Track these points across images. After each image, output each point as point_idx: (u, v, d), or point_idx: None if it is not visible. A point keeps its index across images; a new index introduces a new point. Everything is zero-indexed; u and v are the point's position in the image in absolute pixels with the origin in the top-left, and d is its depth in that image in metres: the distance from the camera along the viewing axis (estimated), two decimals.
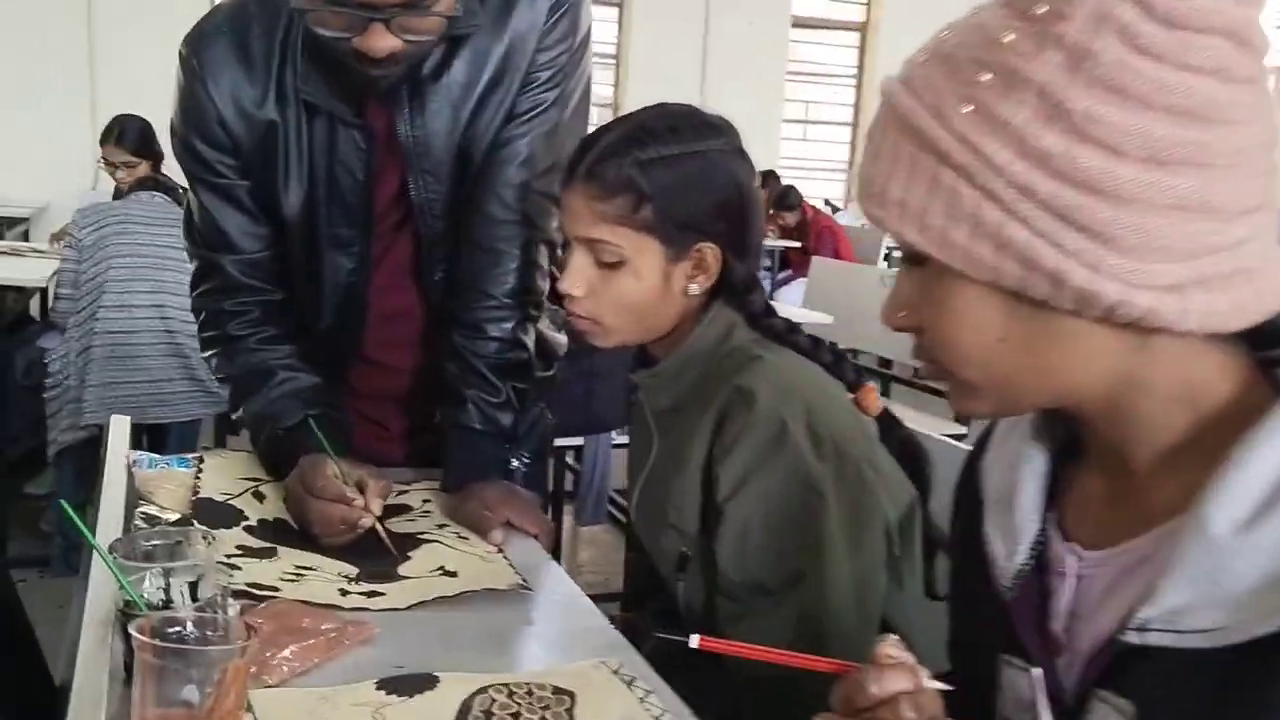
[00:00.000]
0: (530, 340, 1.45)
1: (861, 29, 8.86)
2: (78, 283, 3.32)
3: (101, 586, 0.88)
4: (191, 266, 1.50)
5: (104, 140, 3.84)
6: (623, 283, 1.21)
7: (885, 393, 4.54)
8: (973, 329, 0.70)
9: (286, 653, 0.96)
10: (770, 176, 7.77)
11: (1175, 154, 0.61)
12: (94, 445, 3.51)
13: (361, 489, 1.24)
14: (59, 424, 3.31)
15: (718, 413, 1.16)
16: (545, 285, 1.47)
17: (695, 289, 1.22)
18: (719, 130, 1.23)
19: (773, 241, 7.21)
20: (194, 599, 0.88)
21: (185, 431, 3.50)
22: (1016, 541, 0.78)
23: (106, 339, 3.27)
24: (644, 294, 1.21)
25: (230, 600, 0.93)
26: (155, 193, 3.54)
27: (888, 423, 1.23)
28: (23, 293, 3.58)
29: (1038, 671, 0.74)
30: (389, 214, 1.44)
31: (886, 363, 4.54)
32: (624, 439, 3.48)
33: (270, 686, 0.93)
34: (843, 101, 9.03)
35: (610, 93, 8.34)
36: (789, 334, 1.23)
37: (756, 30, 8.34)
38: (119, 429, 1.38)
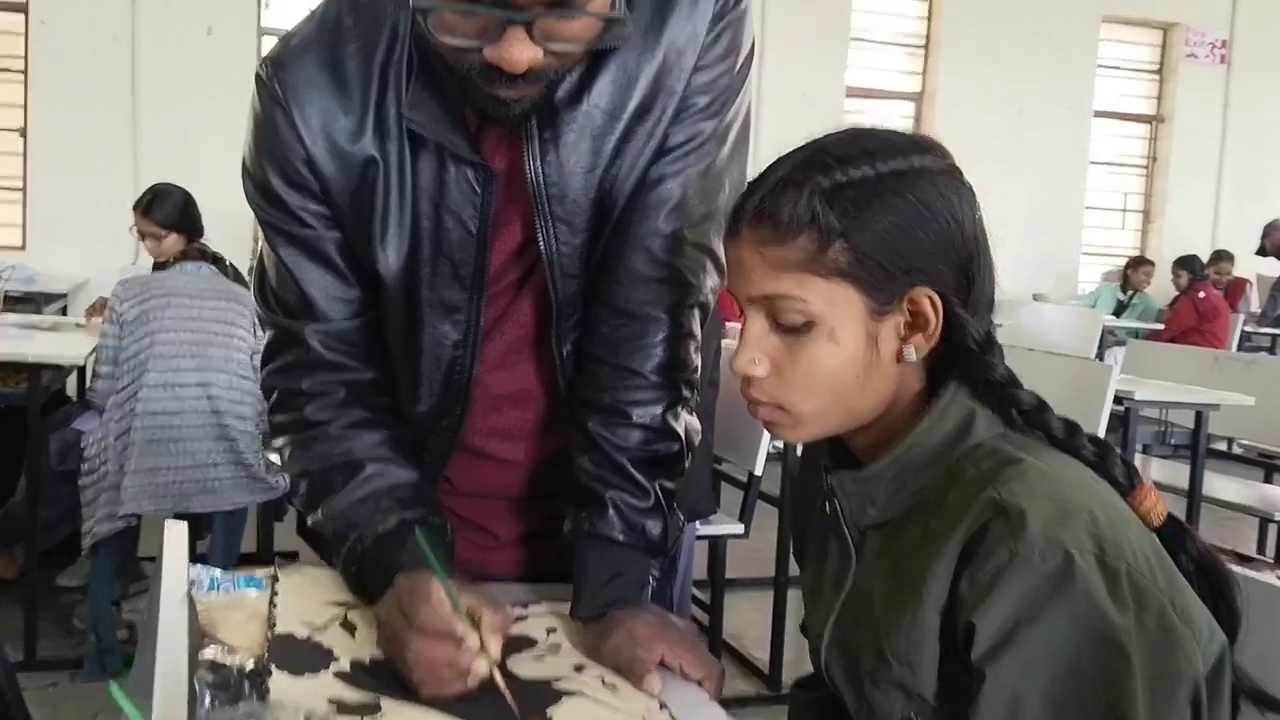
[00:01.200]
0: (682, 427, 1.17)
1: (917, 99, 8.66)
2: (118, 360, 3.08)
3: None
4: (256, 338, 1.23)
5: (135, 207, 3.64)
6: (816, 349, 0.92)
7: None
8: None
9: None
10: None
11: None
12: (132, 535, 3.26)
13: (475, 622, 0.95)
14: (95, 513, 3.05)
15: (965, 537, 0.86)
16: (699, 360, 1.19)
17: (913, 352, 0.93)
18: (924, 146, 0.95)
19: None
20: None
21: (231, 520, 3.24)
22: None
23: (148, 420, 3.02)
24: (845, 363, 0.92)
25: None
26: (201, 263, 3.32)
27: (1177, 535, 0.93)
28: (59, 370, 3.34)
29: None
30: (506, 272, 1.18)
31: None
32: (708, 530, 3.17)
33: None
34: None
35: None
36: (1039, 415, 0.94)
37: (810, 101, 8.16)
38: (175, 539, 1.10)
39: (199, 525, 3.52)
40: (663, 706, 0.99)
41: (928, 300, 0.92)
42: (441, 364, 1.18)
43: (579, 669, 1.05)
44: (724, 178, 1.17)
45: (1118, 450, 0.94)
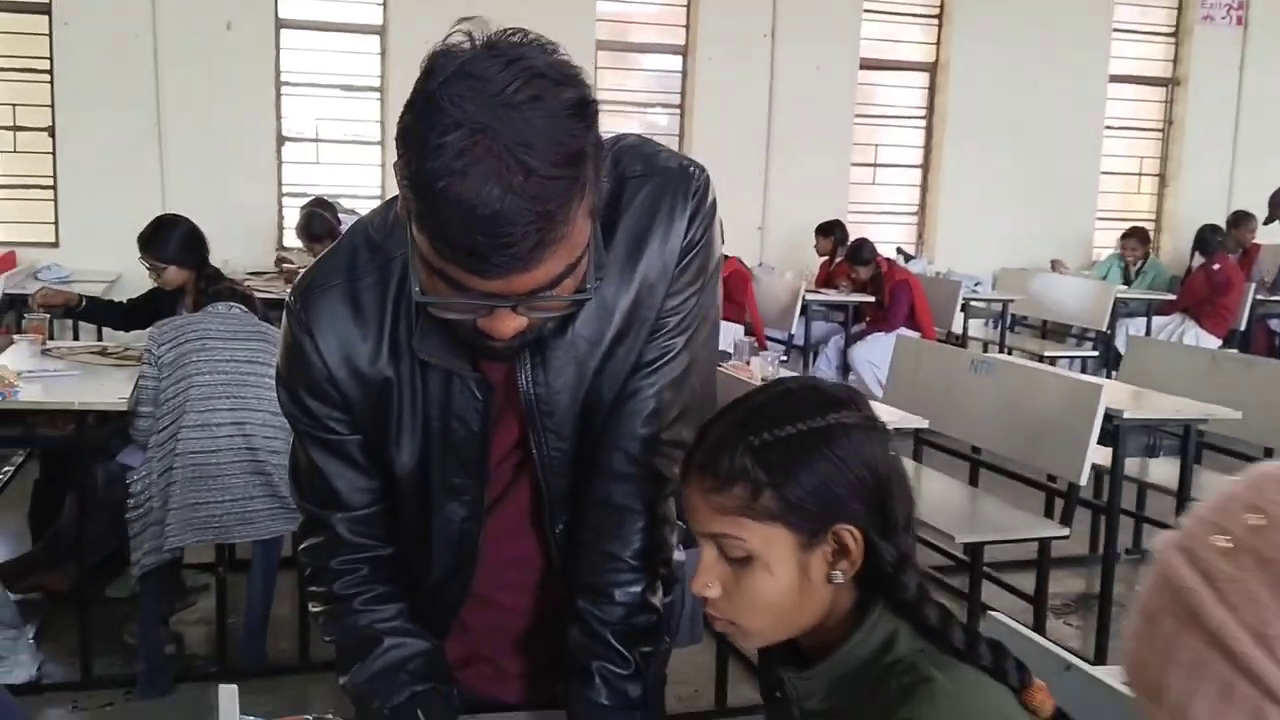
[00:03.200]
0: (659, 599, 1.35)
1: (931, 70, 8.69)
2: (158, 400, 3.28)
3: None
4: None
5: (138, 240, 3.85)
6: (756, 580, 1.10)
7: (974, 481, 4.39)
8: None
9: None
10: (837, 226, 7.65)
11: None
12: (175, 559, 3.48)
13: None
14: (142, 545, 3.27)
15: None
16: (675, 538, 1.37)
17: (839, 576, 1.11)
18: (842, 402, 1.12)
19: (845, 296, 7.08)
20: None
21: (269, 547, 3.45)
22: None
23: (188, 460, 3.23)
24: (781, 590, 1.10)
25: None
26: (232, 304, 3.50)
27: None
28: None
29: None
30: (506, 460, 1.35)
31: (976, 450, 4.38)
32: None
33: None
34: (912, 144, 8.86)
35: (675, 142, 8.25)
36: (944, 630, 1.11)
37: (824, 75, 8.22)
38: (227, 703, 1.30)
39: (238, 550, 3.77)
40: None
41: (848, 534, 1.09)
42: (451, 538, 1.36)
43: None
44: (693, 378, 1.33)
45: (1012, 655, 1.11)
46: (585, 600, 1.33)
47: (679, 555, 1.44)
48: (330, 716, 1.40)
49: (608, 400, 1.30)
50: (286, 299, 1.30)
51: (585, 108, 1.04)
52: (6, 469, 4.56)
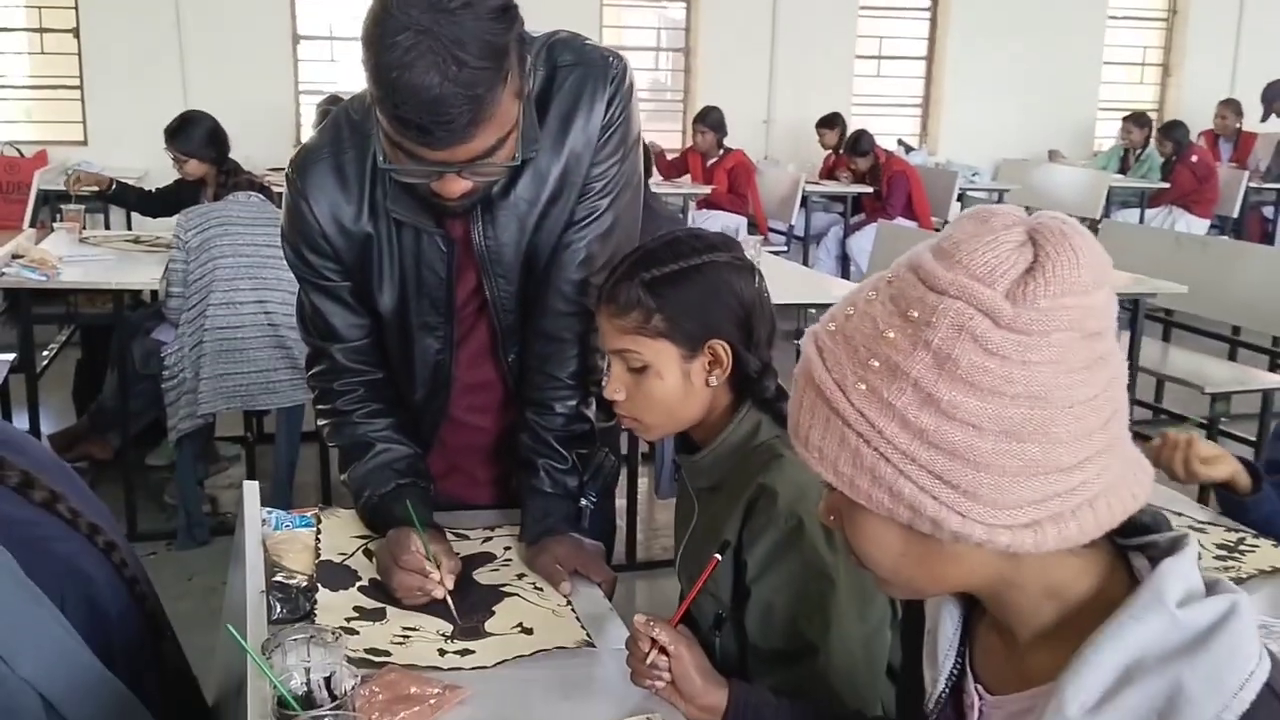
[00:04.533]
0: (591, 411, 1.68)
1: None
2: (187, 281, 3.61)
3: (259, 679, 1.14)
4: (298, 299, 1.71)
5: (165, 131, 4.16)
6: (650, 384, 1.42)
7: None
8: (879, 547, 0.87)
9: (399, 719, 1.22)
10: (837, 120, 7.81)
11: (1023, 430, 0.78)
12: (209, 427, 3.85)
13: (437, 562, 1.49)
14: (178, 413, 3.63)
15: (746, 504, 1.38)
16: (605, 363, 1.68)
17: (714, 381, 1.42)
18: (717, 246, 1.44)
19: (845, 187, 7.30)
20: (328, 688, 1.13)
21: (291, 415, 3.81)
22: (938, 673, 0.96)
23: (216, 335, 3.57)
24: (669, 391, 1.42)
25: (353, 674, 1.17)
26: (251, 193, 3.81)
27: None
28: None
29: None
30: (469, 304, 1.67)
31: None
32: None
33: None
34: (917, 35, 8.97)
35: (682, 37, 8.41)
36: None
37: None
38: (251, 497, 1.64)
39: (264, 418, 4.13)
40: (569, 602, 1.52)
41: (721, 348, 1.41)
42: (428, 365, 1.68)
43: (520, 576, 1.59)
44: (618, 233, 1.63)
45: None
46: (532, 412, 1.66)
47: None
48: (336, 508, 1.75)
49: (545, 251, 1.61)
50: (285, 171, 1.61)
51: (507, 11, 1.33)
52: (51, 346, 4.93)
